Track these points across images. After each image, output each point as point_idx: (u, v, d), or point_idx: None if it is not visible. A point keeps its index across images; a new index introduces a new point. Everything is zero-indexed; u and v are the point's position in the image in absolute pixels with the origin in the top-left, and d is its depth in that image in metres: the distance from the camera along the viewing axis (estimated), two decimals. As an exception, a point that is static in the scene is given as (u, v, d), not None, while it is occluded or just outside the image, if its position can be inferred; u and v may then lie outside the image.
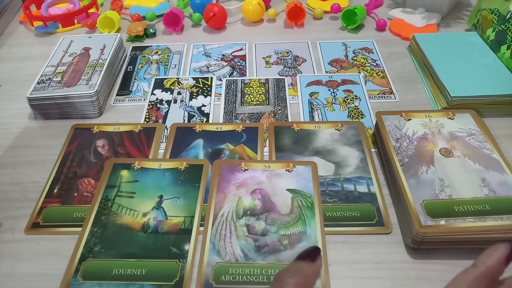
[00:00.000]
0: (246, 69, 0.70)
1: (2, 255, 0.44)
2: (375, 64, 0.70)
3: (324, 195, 0.48)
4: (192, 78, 0.68)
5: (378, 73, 0.67)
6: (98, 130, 0.58)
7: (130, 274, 0.41)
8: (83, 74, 0.62)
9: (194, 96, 0.64)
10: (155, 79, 0.68)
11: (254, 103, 0.62)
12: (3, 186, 0.52)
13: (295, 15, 0.80)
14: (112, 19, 0.78)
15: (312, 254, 0.30)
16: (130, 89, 0.67)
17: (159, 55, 0.74)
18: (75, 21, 0.83)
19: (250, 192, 0.48)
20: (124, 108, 0.63)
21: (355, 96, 0.62)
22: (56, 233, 0.46)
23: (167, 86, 0.66)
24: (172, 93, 0.65)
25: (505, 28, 0.64)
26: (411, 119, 0.53)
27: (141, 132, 0.58)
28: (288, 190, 0.48)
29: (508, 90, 0.57)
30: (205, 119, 0.60)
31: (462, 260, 0.41)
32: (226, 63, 0.71)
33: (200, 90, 0.65)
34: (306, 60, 0.71)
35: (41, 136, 0.59)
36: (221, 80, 0.67)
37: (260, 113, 0.60)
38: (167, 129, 0.58)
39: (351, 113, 0.60)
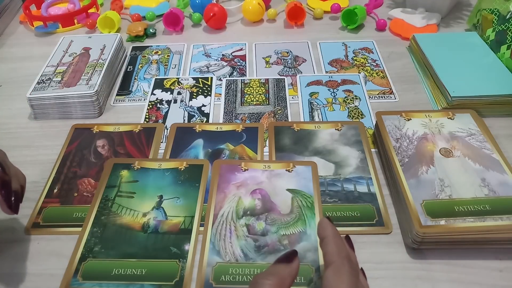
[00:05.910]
0: (246, 69, 0.70)
1: (2, 255, 0.44)
2: (375, 64, 0.70)
3: (324, 195, 0.48)
4: (192, 78, 0.68)
5: (378, 73, 0.67)
6: (98, 130, 0.58)
7: (130, 274, 0.41)
8: (83, 74, 0.62)
9: (194, 96, 0.64)
10: (155, 79, 0.68)
11: (254, 103, 0.62)
12: (3, 186, 0.52)
13: (295, 15, 0.80)
14: (112, 19, 0.78)
15: (289, 257, 0.32)
16: (130, 89, 0.67)
17: (159, 55, 0.74)
18: (75, 21, 0.83)
19: (250, 192, 0.48)
20: (124, 108, 0.63)
21: (355, 96, 0.62)
22: (56, 233, 0.46)
23: (167, 86, 0.66)
24: (172, 93, 0.65)
25: (505, 28, 0.64)
26: (411, 119, 0.53)
27: (141, 132, 0.58)
28: (288, 190, 0.48)
29: (508, 90, 0.57)
30: (205, 119, 0.60)
31: (462, 260, 0.41)
32: (226, 63, 0.71)
33: (200, 90, 0.65)
34: (306, 60, 0.71)
35: (41, 136, 0.59)
36: (221, 80, 0.67)
37: (260, 113, 0.60)
38: (167, 129, 0.58)
39: (351, 113, 0.60)
